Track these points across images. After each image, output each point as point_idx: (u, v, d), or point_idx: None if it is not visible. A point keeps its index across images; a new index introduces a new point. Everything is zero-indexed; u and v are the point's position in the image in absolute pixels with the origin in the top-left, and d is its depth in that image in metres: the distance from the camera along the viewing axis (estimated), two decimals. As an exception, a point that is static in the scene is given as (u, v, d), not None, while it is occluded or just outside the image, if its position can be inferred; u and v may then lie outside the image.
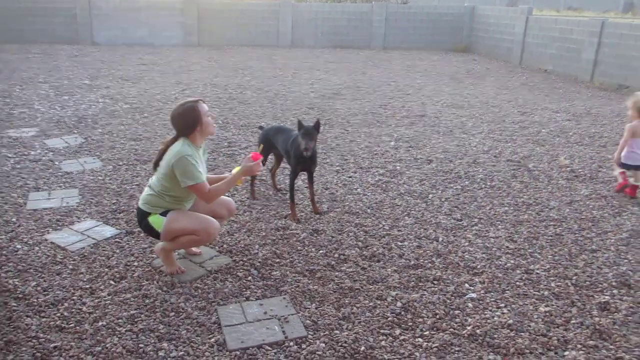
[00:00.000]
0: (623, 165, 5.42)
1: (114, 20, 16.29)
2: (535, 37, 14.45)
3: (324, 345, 2.96)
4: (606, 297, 3.53)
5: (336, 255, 4.01)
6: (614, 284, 3.71)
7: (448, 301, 3.44)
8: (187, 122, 3.50)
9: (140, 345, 2.92)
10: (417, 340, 3.05)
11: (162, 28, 16.68)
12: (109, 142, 6.68)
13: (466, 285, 3.64)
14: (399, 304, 3.38)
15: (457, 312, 3.33)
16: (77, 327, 3.06)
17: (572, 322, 3.25)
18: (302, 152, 4.32)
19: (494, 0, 36.14)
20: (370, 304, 3.38)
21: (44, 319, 3.12)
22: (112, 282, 3.54)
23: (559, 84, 12.09)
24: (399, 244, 4.22)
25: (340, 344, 2.98)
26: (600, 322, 3.24)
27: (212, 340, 2.98)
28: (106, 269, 3.69)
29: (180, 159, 3.40)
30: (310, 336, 3.04)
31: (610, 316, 3.32)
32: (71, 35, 16.06)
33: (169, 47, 16.44)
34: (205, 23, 16.85)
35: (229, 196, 4.39)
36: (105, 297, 3.36)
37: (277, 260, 3.90)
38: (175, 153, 3.43)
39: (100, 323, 3.10)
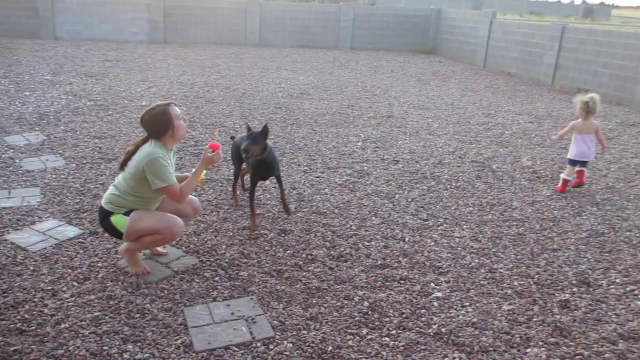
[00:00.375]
0: (572, 162, 5.66)
1: (78, 14, 15.91)
2: (498, 41, 14.74)
3: (291, 345, 2.96)
4: (566, 295, 3.64)
5: (304, 255, 4.01)
6: (574, 282, 3.82)
7: (414, 300, 3.49)
8: (159, 126, 3.45)
9: (105, 348, 2.86)
10: (383, 339, 3.08)
11: (127, 24, 16.38)
12: (72, 139, 6.53)
13: (432, 284, 3.70)
14: (366, 303, 3.41)
15: (423, 311, 3.37)
16: (39, 330, 2.98)
17: (534, 319, 3.34)
18: (241, 153, 4.24)
19: (460, 3, 36.77)
20: (338, 304, 3.39)
21: (3, 322, 3.03)
22: (75, 283, 3.46)
23: (522, 86, 12.37)
24: (366, 243, 4.26)
25: (307, 344, 2.98)
26: (561, 320, 3.34)
27: (179, 341, 2.95)
28: (69, 270, 3.61)
29: (152, 161, 3.35)
30: (277, 336, 3.04)
31: (570, 314, 3.42)
32: (33, 30, 15.63)
33: (134, 43, 16.16)
34: (172, 20, 16.63)
35: (195, 195, 4.35)
36: (68, 298, 3.29)
37: (245, 260, 3.88)
38: (146, 154, 3.38)
39: (62, 325, 3.03)
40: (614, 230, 4.72)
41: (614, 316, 3.41)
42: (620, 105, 10.59)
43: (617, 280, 3.85)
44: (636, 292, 3.70)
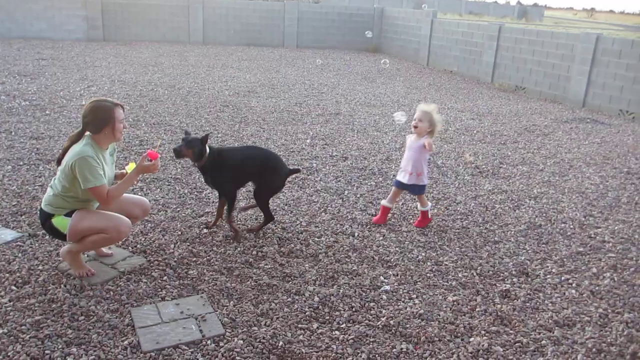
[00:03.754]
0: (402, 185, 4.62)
1: (7, 11, 15.21)
2: (440, 40, 15.12)
3: (242, 342, 2.95)
4: (507, 285, 3.78)
5: (254, 252, 4.00)
6: (514, 272, 3.98)
7: (364, 294, 3.54)
8: (97, 120, 3.33)
9: (47, 352, 2.76)
10: (334, 333, 3.11)
11: (62, 21, 15.79)
12: (7, 140, 6.24)
13: (381, 278, 3.77)
14: (316, 298, 3.44)
15: (372, 304, 3.43)
16: (-25, 337, 2.85)
17: (477, 309, 3.45)
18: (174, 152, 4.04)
19: (402, 3, 37.44)
20: (289, 300, 3.41)
21: (-64, 331, 2.88)
22: (13, 287, 3.32)
23: (463, 84, 12.74)
24: (316, 239, 4.29)
25: (258, 340, 2.98)
26: (502, 309, 3.47)
27: (126, 342, 2.89)
28: (7, 274, 3.46)
29: (81, 159, 3.23)
30: (228, 334, 3.02)
31: (510, 303, 3.56)
32: (-41, 26, 14.84)
33: (70, 41, 15.60)
34: (111, 17, 16.14)
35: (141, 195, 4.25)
36: (6, 303, 3.15)
37: (194, 259, 3.83)
38: (75, 153, 3.26)
39: (0, 331, 2.90)
40: (550, 223, 4.94)
41: (550, 304, 3.57)
42: (555, 102, 11.08)
43: (554, 270, 4.03)
44: (571, 281, 3.89)
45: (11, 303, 3.16)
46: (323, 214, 4.81)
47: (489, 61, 13.04)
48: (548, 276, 3.94)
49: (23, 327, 2.95)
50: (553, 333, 3.24)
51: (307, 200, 5.10)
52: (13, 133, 6.54)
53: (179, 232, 4.23)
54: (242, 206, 4.75)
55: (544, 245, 4.46)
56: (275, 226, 4.46)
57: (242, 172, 4.26)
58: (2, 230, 4.06)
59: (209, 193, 5.07)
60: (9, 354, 2.74)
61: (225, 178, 4.18)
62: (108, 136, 3.40)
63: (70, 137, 3.42)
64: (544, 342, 3.15)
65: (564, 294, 3.71)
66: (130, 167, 3.51)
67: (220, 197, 4.34)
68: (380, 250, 4.19)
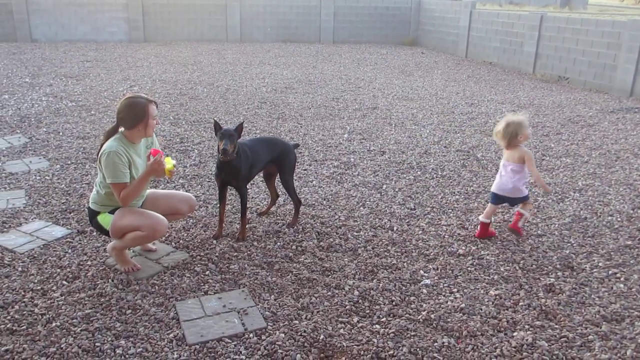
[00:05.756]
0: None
1: (54, 16, 15.71)
2: (479, 31, 14.85)
3: (283, 335, 2.99)
4: (551, 279, 3.71)
5: (294, 247, 4.04)
6: (558, 266, 3.89)
7: (404, 288, 3.53)
8: (132, 116, 3.41)
9: (97, 344, 2.87)
10: (374, 326, 3.12)
11: (105, 24, 16.21)
12: (55, 141, 6.47)
13: (421, 272, 3.75)
14: (356, 292, 3.45)
15: (412, 298, 3.42)
16: (30, 329, 2.98)
17: (520, 304, 3.40)
18: (220, 156, 3.82)
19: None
20: (329, 294, 3.43)
21: (-7, 323, 3.03)
22: (64, 282, 3.46)
23: (503, 76, 12.48)
24: (355, 234, 4.29)
25: (299, 333, 3.01)
26: (546, 303, 3.40)
27: (171, 335, 2.97)
28: (58, 270, 3.60)
29: (108, 155, 3.33)
30: (269, 327, 3.07)
31: (555, 297, 3.49)
32: (8, 32, 15.38)
33: (113, 43, 16.01)
34: (151, 18, 16.49)
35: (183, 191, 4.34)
36: (58, 297, 3.28)
37: (235, 253, 3.90)
38: (106, 147, 3.38)
39: (53, 324, 3.03)
40: (596, 215, 4.80)
41: (597, 299, 3.48)
42: (600, 92, 10.74)
43: (600, 264, 3.93)
44: (618, 275, 3.78)
45: (63, 297, 3.29)
46: (361, 208, 4.81)
47: (531, 51, 12.73)
48: (594, 270, 3.84)
49: (74, 320, 3.07)
50: (600, 328, 3.16)
51: (346, 194, 5.10)
52: (61, 133, 6.77)
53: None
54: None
55: (589, 239, 4.34)
56: (314, 221, 4.49)
57: (260, 162, 4.15)
58: (52, 227, 4.22)
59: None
60: (62, 346, 2.85)
61: (247, 172, 4.03)
62: (140, 132, 3.48)
63: (105, 132, 3.52)
64: (590, 337, 3.07)
65: (612, 288, 3.61)
66: (167, 161, 3.47)
67: (221, 201, 4.11)
68: (419, 244, 4.17)
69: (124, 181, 3.37)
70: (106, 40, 16.18)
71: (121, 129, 3.48)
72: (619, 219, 4.72)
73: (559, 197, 5.21)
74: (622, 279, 3.73)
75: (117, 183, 3.35)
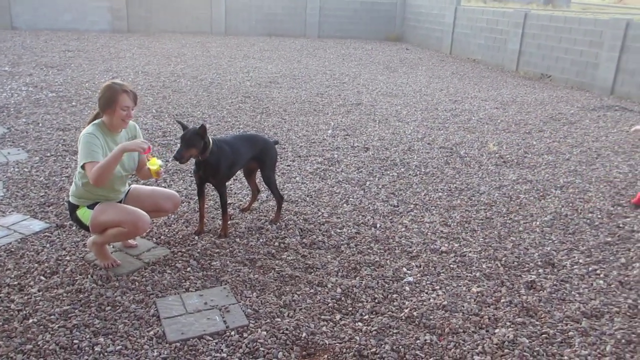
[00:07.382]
0: None
1: (35, 4, 15.42)
2: (464, 28, 14.90)
3: (265, 333, 2.97)
4: (532, 276, 3.73)
5: (276, 243, 4.01)
6: (539, 263, 3.92)
7: (386, 285, 3.53)
8: (102, 101, 3.35)
9: (75, 341, 2.82)
10: (357, 324, 3.11)
11: (88, 13, 15.96)
12: (35, 132, 6.36)
13: (404, 269, 3.75)
14: (338, 290, 3.44)
15: (395, 295, 3.42)
16: (5, 326, 2.92)
17: (502, 301, 3.42)
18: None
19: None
20: (311, 291, 3.41)
21: (-32, 320, 2.96)
22: (42, 277, 3.39)
23: (487, 73, 12.55)
24: (338, 231, 4.28)
25: (281, 331, 3.00)
26: (528, 300, 3.43)
27: (151, 332, 2.93)
28: (36, 265, 3.54)
29: (83, 136, 3.30)
30: (251, 325, 3.05)
31: (536, 294, 3.51)
32: (-12, 19, 15.11)
33: (96, 33, 15.77)
34: (135, 8, 16.27)
35: (165, 186, 4.29)
36: (35, 293, 3.22)
37: (217, 250, 3.86)
38: (83, 131, 3.36)
39: (30, 320, 2.97)
40: (577, 213, 4.85)
41: (577, 295, 3.52)
42: (582, 90, 10.85)
43: (580, 261, 3.97)
44: (598, 271, 3.82)
45: (40, 293, 3.23)
46: (345, 205, 4.80)
47: (514, 49, 12.81)
48: (575, 267, 3.88)
49: (52, 316, 3.02)
50: (581, 324, 3.19)
51: (329, 191, 5.09)
52: (40, 124, 6.65)
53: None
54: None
55: (570, 236, 4.38)
56: (297, 217, 4.47)
57: (241, 160, 4.08)
58: (30, 221, 4.14)
59: (229, 184, 5.10)
60: (39, 343, 2.80)
61: (227, 170, 3.97)
62: (111, 120, 3.38)
63: (89, 119, 3.48)
64: (571, 333, 3.10)
65: (592, 284, 3.65)
66: (152, 162, 3.36)
67: (200, 197, 4.05)
68: (402, 241, 4.17)
69: (94, 159, 3.23)
70: (88, 30, 15.94)
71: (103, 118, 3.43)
72: (599, 216, 4.77)
73: (540, 194, 5.25)
74: (601, 275, 3.77)
75: (88, 162, 3.21)
